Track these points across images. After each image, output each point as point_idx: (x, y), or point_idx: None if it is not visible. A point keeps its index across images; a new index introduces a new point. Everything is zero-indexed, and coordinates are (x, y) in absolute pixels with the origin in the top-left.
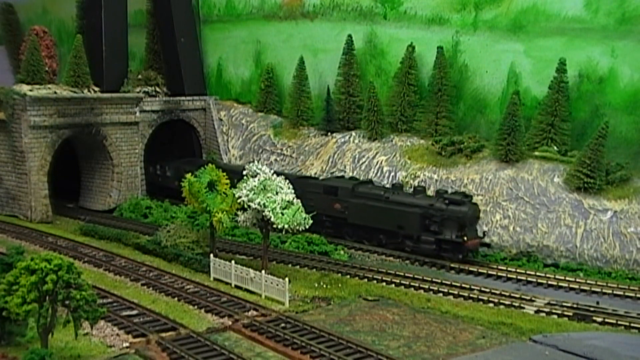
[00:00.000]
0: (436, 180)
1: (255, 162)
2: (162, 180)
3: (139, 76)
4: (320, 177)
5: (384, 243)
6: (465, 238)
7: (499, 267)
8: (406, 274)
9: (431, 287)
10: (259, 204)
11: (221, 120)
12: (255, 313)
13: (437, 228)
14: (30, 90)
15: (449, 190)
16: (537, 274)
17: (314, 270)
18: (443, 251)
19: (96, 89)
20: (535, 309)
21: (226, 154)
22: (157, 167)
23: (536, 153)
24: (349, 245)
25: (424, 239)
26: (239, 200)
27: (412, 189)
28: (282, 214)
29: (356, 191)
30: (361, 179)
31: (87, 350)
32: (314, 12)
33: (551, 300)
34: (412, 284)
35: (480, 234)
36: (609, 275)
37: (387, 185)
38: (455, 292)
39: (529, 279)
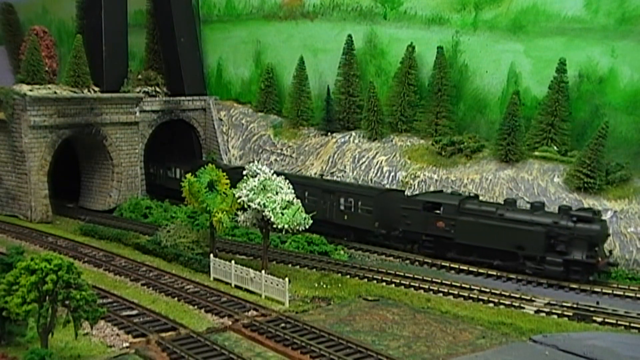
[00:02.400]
0: (436, 180)
1: (255, 162)
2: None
3: (139, 76)
4: (411, 192)
5: (498, 264)
6: (600, 259)
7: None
8: (406, 274)
9: (431, 287)
10: (259, 204)
11: (221, 120)
12: (255, 313)
13: (564, 248)
14: (30, 90)
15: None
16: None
17: (314, 270)
18: (572, 273)
19: (96, 89)
20: (535, 309)
21: (226, 154)
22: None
23: (536, 153)
24: (349, 245)
25: (550, 260)
26: (239, 200)
27: (529, 205)
28: (282, 214)
29: (464, 208)
30: (467, 193)
31: (87, 350)
32: (314, 12)
33: (551, 300)
34: (412, 284)
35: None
36: (609, 275)
37: (499, 201)
38: (455, 292)
39: (529, 279)
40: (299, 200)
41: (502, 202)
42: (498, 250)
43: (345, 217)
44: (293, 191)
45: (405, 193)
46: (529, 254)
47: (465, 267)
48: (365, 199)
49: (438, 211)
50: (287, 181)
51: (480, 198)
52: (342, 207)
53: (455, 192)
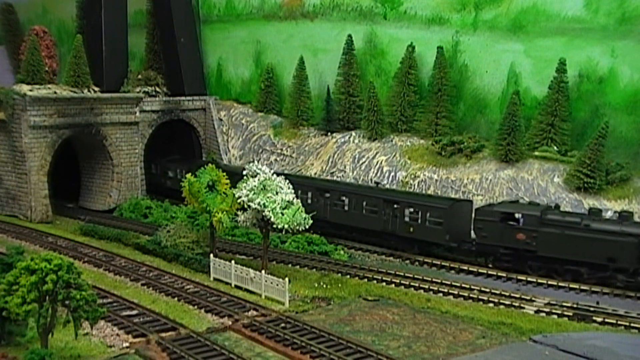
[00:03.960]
0: (436, 180)
1: (255, 162)
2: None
3: (139, 76)
4: (485, 202)
5: (584, 277)
6: None
7: None
8: (406, 274)
9: (431, 287)
10: (259, 204)
11: (221, 120)
12: (255, 313)
13: None
14: (30, 90)
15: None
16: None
17: (314, 270)
18: None
19: (96, 89)
20: (535, 309)
21: (226, 154)
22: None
23: (536, 153)
24: (349, 245)
25: None
26: (239, 200)
27: (615, 215)
28: (282, 214)
29: (546, 218)
30: (545, 203)
31: (87, 350)
32: (314, 12)
33: (551, 300)
34: (412, 284)
35: None
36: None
37: (582, 211)
38: (455, 292)
39: (529, 279)
40: (299, 200)
41: (587, 212)
42: (585, 262)
43: (411, 230)
44: (346, 201)
45: (475, 203)
46: (620, 266)
47: (465, 267)
48: (435, 210)
49: (517, 222)
50: (344, 196)
51: (562, 208)
52: (407, 219)
53: (534, 202)
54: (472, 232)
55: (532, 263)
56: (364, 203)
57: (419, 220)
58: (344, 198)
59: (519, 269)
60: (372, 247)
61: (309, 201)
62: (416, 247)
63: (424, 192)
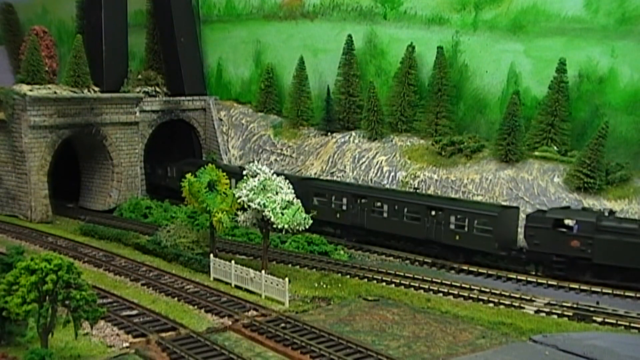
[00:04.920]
0: (436, 180)
1: (255, 162)
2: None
3: (139, 76)
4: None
5: None
6: None
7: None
8: (406, 274)
9: (431, 287)
10: (259, 204)
11: (221, 120)
12: (255, 313)
13: None
14: (30, 90)
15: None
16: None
17: (314, 270)
18: None
19: (96, 89)
20: (535, 309)
21: (226, 154)
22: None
23: (536, 153)
24: (349, 245)
25: None
26: (239, 200)
27: None
28: (282, 214)
29: (602, 225)
30: (600, 209)
31: (87, 350)
32: (314, 12)
33: (551, 300)
34: (412, 284)
35: None
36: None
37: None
38: (455, 292)
39: (529, 279)
40: (298, 200)
41: None
42: None
43: (457, 238)
44: (385, 208)
45: (522, 210)
46: None
47: (465, 267)
48: (484, 218)
49: (571, 229)
50: (383, 202)
51: (617, 214)
52: (452, 227)
53: (588, 208)
54: (519, 239)
55: (587, 271)
56: (405, 210)
57: (466, 228)
58: (382, 204)
59: (572, 277)
60: (372, 247)
61: (344, 207)
62: (462, 255)
63: (424, 192)
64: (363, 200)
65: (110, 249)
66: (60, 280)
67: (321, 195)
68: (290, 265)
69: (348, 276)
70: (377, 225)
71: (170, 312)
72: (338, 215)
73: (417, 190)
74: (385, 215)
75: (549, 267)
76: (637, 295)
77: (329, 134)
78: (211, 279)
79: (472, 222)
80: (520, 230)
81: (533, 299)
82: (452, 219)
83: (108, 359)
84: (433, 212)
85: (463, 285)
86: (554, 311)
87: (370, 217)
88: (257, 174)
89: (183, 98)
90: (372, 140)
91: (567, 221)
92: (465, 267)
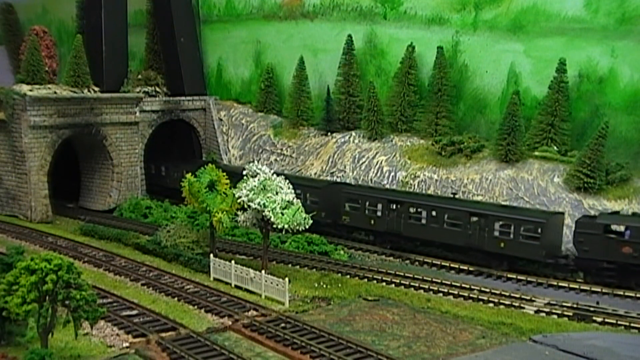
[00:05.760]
0: (436, 180)
1: (255, 162)
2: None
3: (139, 76)
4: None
5: None
6: None
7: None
8: (406, 274)
9: (431, 287)
10: (259, 204)
11: (221, 120)
12: (255, 313)
13: None
14: (30, 90)
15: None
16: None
17: (314, 270)
18: None
19: (96, 89)
20: (535, 309)
21: (226, 154)
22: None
23: (536, 153)
24: (349, 245)
25: None
26: (239, 200)
27: None
28: (282, 214)
29: None
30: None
31: (87, 350)
32: (314, 12)
33: (551, 300)
34: (412, 284)
35: None
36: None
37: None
38: (455, 292)
39: (529, 278)
40: (298, 200)
41: None
42: None
43: (502, 245)
44: (423, 214)
45: (565, 214)
46: None
47: (465, 267)
48: (531, 224)
49: (622, 235)
50: (421, 208)
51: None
52: (496, 233)
53: (637, 213)
54: (564, 246)
55: (638, 278)
56: (445, 216)
57: (512, 235)
58: (421, 210)
59: (624, 284)
60: (372, 247)
61: (379, 214)
62: (506, 263)
63: (423, 192)
64: (400, 207)
65: (110, 249)
66: (60, 280)
67: (354, 200)
68: (290, 265)
69: (348, 276)
70: (415, 232)
71: (170, 312)
72: (372, 222)
73: (456, 196)
74: (423, 221)
75: (598, 274)
76: (637, 295)
77: (329, 134)
78: (211, 279)
79: (518, 229)
80: (566, 236)
81: (533, 299)
82: (496, 225)
83: (108, 359)
84: (475, 218)
85: (463, 285)
86: (554, 311)
87: (407, 224)
88: (257, 174)
89: (183, 98)
90: (372, 140)
91: (617, 227)
92: (465, 267)
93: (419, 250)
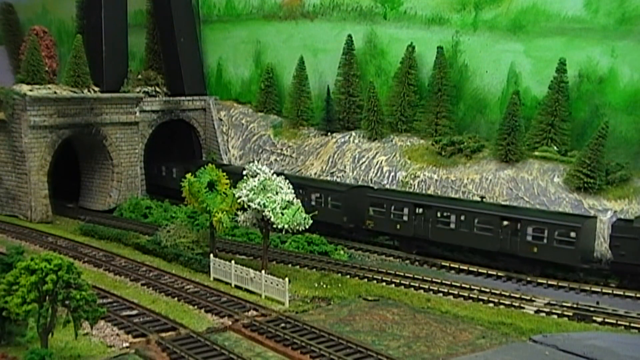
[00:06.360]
0: (436, 180)
1: (255, 162)
2: None
3: (139, 76)
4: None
5: None
6: None
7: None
8: (406, 274)
9: (431, 287)
10: (259, 204)
11: (221, 120)
12: (255, 313)
13: None
14: (30, 90)
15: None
16: None
17: (314, 270)
18: None
19: (96, 89)
20: (535, 309)
21: (226, 154)
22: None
23: (536, 153)
24: (349, 245)
25: None
26: (239, 200)
27: None
28: (282, 214)
29: None
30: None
31: (87, 350)
32: (314, 12)
33: (551, 300)
34: (412, 284)
35: None
36: (610, 275)
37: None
38: (455, 292)
39: (529, 278)
40: (299, 200)
41: None
42: None
43: (535, 250)
44: (452, 218)
45: (598, 218)
46: None
47: (465, 267)
48: (566, 229)
49: None
50: (450, 213)
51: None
52: (529, 238)
53: None
54: (597, 251)
55: None
56: (475, 220)
57: (545, 240)
58: (449, 214)
59: None
60: (371, 247)
61: (405, 218)
62: (539, 269)
63: (423, 192)
64: (428, 211)
65: (110, 249)
66: (60, 280)
67: (379, 205)
68: (290, 265)
69: (348, 276)
70: (443, 237)
71: (170, 312)
72: (398, 226)
73: (483, 199)
74: (452, 226)
75: (635, 279)
76: (637, 295)
77: (329, 134)
78: (211, 279)
79: (553, 234)
80: (600, 241)
81: (533, 299)
82: (529, 230)
83: (108, 359)
84: (506, 223)
85: (463, 285)
86: (554, 311)
87: (435, 228)
88: (257, 174)
89: (183, 98)
90: (372, 140)
91: None
92: (465, 267)
93: (447, 255)
